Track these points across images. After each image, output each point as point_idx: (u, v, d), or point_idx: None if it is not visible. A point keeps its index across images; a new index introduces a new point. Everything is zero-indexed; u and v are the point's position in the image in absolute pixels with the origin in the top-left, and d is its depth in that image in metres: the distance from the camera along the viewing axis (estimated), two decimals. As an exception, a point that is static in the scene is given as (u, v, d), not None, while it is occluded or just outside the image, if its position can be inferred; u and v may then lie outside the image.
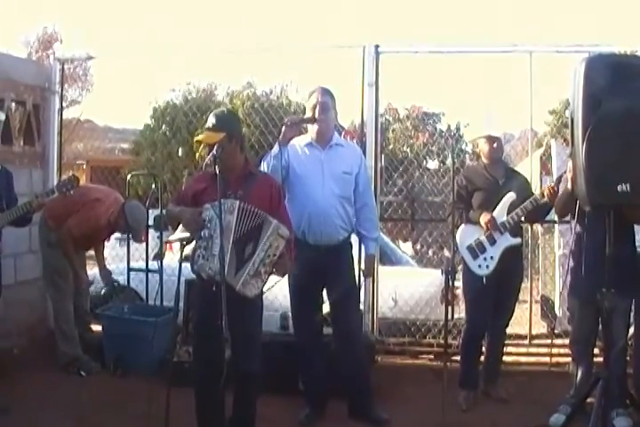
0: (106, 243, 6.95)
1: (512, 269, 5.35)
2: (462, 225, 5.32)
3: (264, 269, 4.05)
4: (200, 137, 4.23)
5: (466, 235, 5.30)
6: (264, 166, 4.89)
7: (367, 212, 5.18)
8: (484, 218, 5.26)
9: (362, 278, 5.57)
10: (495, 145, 5.44)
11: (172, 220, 4.43)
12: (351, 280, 5.16)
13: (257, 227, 4.04)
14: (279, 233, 4.06)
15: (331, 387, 5.12)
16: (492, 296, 5.28)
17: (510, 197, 5.24)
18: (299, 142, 5.04)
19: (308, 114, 5.01)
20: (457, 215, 5.35)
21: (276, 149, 4.89)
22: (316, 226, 4.94)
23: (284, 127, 4.92)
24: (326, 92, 5.06)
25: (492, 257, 5.27)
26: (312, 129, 5.03)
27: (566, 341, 6.03)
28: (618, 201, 3.83)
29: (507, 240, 5.26)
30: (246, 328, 4.13)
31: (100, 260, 6.55)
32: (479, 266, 5.30)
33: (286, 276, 4.37)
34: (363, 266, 5.38)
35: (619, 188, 3.71)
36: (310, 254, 4.89)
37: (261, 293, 4.16)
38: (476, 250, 5.29)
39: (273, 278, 4.17)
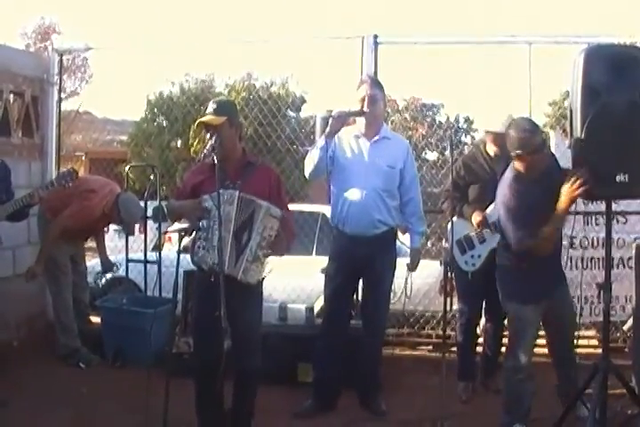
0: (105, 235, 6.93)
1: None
2: (455, 218, 5.19)
3: (262, 252, 4.05)
4: (204, 119, 4.14)
5: (457, 229, 5.22)
6: (309, 157, 4.90)
7: (413, 206, 5.15)
8: (475, 218, 5.21)
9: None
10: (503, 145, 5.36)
11: (174, 214, 4.40)
12: (385, 274, 5.09)
13: (251, 214, 4.03)
14: (271, 214, 4.05)
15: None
16: (481, 292, 5.21)
17: None
18: (346, 133, 5.00)
19: (357, 106, 4.93)
20: (450, 206, 5.29)
21: (322, 140, 4.86)
22: (353, 218, 4.95)
23: (330, 119, 4.85)
24: (376, 84, 5.04)
25: (479, 255, 5.24)
26: (360, 121, 4.99)
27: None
28: (616, 192, 3.83)
29: (496, 239, 5.22)
30: (246, 321, 4.12)
31: (100, 248, 6.54)
32: (465, 262, 5.29)
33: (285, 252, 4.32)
34: (408, 260, 5.35)
35: (617, 178, 3.71)
36: (347, 244, 4.97)
37: (262, 279, 4.18)
38: (465, 246, 5.28)
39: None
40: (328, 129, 4.85)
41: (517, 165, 4.24)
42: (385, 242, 5.05)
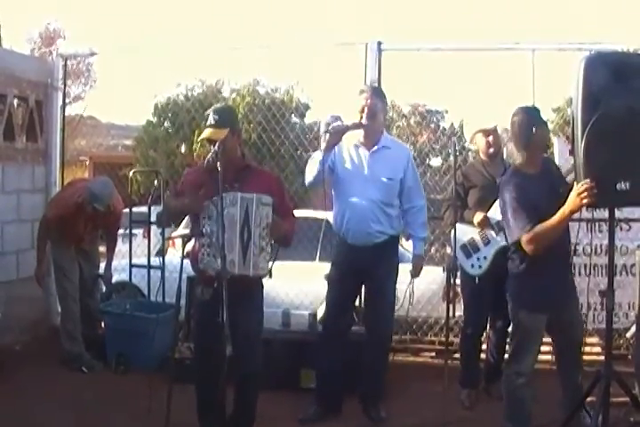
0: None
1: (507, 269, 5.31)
2: (457, 224, 5.21)
3: (264, 241, 4.06)
4: (206, 134, 4.12)
5: (460, 235, 5.23)
6: (308, 169, 4.88)
7: (414, 213, 5.13)
8: (477, 218, 5.23)
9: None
10: (490, 138, 5.39)
11: (173, 211, 4.33)
12: (387, 281, 5.08)
13: (246, 210, 4.01)
14: (262, 202, 4.04)
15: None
16: (488, 296, 5.21)
17: None
18: (346, 141, 4.94)
19: (356, 115, 4.88)
20: (452, 213, 5.30)
21: (319, 154, 4.83)
22: (353, 228, 4.96)
23: (327, 135, 4.81)
24: (377, 94, 4.99)
25: (485, 257, 5.24)
26: (359, 132, 4.95)
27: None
28: (617, 200, 3.82)
29: (501, 240, 5.20)
30: (247, 327, 4.13)
31: (108, 258, 6.52)
32: (472, 266, 5.28)
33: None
34: (411, 267, 5.32)
35: (618, 186, 3.70)
36: (349, 252, 4.98)
37: (270, 270, 4.18)
38: (470, 249, 5.28)
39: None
40: (325, 144, 4.82)
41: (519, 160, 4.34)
42: (386, 250, 5.04)
